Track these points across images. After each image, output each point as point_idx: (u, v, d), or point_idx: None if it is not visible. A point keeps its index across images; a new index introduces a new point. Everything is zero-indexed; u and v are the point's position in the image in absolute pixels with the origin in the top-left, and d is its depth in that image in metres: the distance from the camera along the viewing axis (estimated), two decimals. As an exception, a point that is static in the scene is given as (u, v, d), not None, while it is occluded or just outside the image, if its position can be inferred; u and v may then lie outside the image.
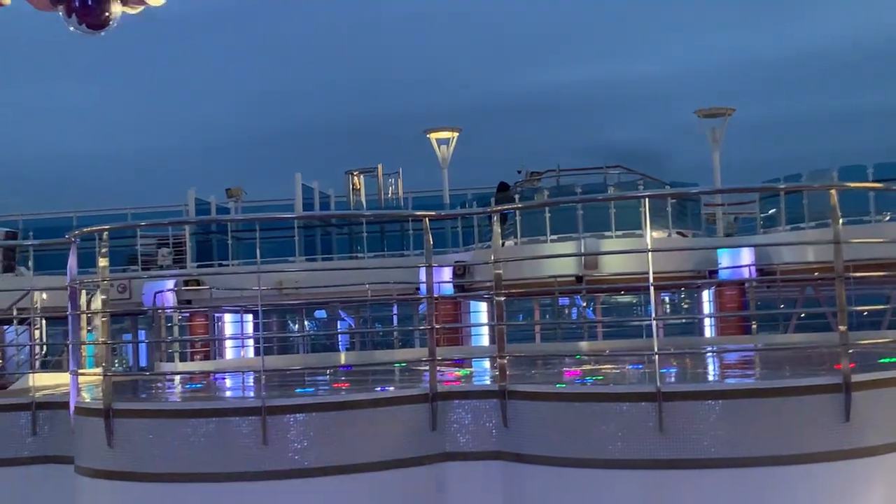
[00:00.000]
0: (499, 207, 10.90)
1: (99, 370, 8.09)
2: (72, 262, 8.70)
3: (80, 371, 8.62)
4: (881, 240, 16.39)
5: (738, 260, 20.94)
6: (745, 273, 20.58)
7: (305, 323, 30.04)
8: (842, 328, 7.44)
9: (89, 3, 3.97)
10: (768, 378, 9.28)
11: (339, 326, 29.01)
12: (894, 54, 54.21)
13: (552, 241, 21.73)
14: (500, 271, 8.23)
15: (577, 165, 27.72)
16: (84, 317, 10.47)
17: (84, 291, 10.48)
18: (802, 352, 11.89)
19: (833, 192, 7.90)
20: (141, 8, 4.47)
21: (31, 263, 25.32)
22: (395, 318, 23.10)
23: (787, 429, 7.14)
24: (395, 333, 21.29)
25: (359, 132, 59.12)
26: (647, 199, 8.45)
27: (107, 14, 3.92)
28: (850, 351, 7.33)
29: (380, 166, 29.93)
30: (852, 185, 17.36)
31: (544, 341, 19.20)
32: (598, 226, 21.39)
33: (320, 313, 30.40)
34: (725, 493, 7.16)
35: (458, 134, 29.81)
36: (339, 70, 64.69)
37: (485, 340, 20.41)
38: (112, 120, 65.48)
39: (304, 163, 33.33)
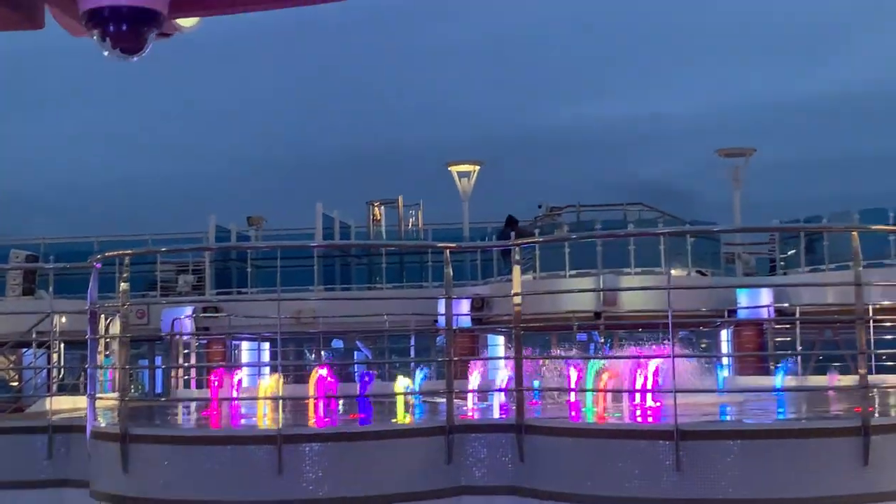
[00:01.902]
0: (520, 241, 10.91)
1: (116, 395, 8.11)
2: (93, 286, 8.74)
3: (98, 395, 8.65)
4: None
5: (756, 300, 20.84)
6: (764, 313, 20.47)
7: (322, 353, 29.99)
8: (861, 371, 7.40)
9: (124, 27, 4.00)
10: (787, 419, 9.22)
11: (355, 357, 28.96)
12: (918, 99, 54.12)
13: (571, 276, 21.67)
14: (520, 304, 8.22)
15: (601, 202, 27.62)
16: (102, 341, 10.50)
17: (103, 316, 10.50)
18: (821, 394, 11.80)
19: (855, 234, 7.88)
20: (178, 31, 4.51)
21: (51, 287, 25.42)
22: (412, 349, 23.04)
23: (805, 471, 7.09)
24: (411, 365, 21.20)
25: (381, 163, 59.34)
26: (664, 237, 8.46)
27: (142, 38, 3.96)
28: (870, 394, 7.28)
29: (400, 198, 29.98)
30: (875, 227, 17.35)
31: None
32: (618, 262, 21.31)
33: (337, 343, 30.36)
34: (742, 534, 7.09)
35: (479, 167, 29.86)
36: (361, 100, 65.03)
37: (501, 375, 20.31)
38: (134, 146, 65.98)
39: (326, 193, 33.39)
